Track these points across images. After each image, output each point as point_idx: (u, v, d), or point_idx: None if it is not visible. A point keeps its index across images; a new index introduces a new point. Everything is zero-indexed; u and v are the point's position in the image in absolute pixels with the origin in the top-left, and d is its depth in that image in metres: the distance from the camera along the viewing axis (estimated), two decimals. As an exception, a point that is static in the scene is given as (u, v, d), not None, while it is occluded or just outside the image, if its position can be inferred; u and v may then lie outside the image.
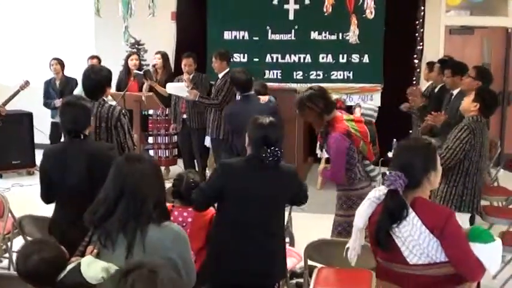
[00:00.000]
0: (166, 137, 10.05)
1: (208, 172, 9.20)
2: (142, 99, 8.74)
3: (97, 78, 5.32)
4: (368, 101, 10.79)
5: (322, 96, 5.19)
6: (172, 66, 10.55)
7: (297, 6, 11.28)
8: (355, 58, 11.23)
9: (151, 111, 9.97)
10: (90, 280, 3.12)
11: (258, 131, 4.26)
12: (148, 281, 2.27)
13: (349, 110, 7.13)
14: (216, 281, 4.35)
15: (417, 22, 10.87)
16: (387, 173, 3.43)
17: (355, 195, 5.23)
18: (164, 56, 9.98)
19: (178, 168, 9.88)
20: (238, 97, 7.85)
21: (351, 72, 11.27)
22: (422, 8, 10.87)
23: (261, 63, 11.38)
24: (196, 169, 9.48)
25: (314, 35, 11.32)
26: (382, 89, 11.08)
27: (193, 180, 4.63)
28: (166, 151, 10.08)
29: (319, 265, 4.94)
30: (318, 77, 11.28)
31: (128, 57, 10.10)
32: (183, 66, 9.30)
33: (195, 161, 9.71)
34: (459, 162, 5.53)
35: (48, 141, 10.02)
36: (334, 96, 7.89)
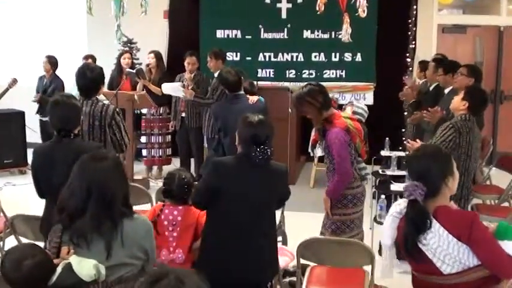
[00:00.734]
0: (160, 136, 10.02)
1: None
2: (134, 98, 8.73)
3: (92, 76, 5.32)
4: (361, 99, 10.81)
5: (321, 91, 5.23)
6: (166, 64, 10.52)
7: (290, 5, 11.27)
8: (347, 57, 11.22)
9: (144, 110, 9.96)
10: (84, 278, 3.15)
11: (248, 129, 4.26)
12: None
13: (341, 108, 7.12)
14: (208, 279, 4.34)
15: (410, 21, 10.87)
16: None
17: (350, 194, 5.24)
18: (158, 55, 9.97)
19: (171, 167, 9.87)
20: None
21: (344, 71, 11.27)
22: (415, 6, 10.86)
23: (254, 62, 11.38)
24: (192, 168, 9.49)
25: (307, 33, 11.31)
26: (375, 87, 11.08)
27: (185, 178, 4.64)
28: (160, 150, 10.05)
29: (312, 264, 4.93)
30: (311, 76, 11.27)
31: (120, 55, 10.10)
32: (186, 64, 9.27)
33: (192, 159, 9.71)
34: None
35: (40, 140, 9.98)
36: (327, 95, 7.90)
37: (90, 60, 9.91)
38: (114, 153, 3.65)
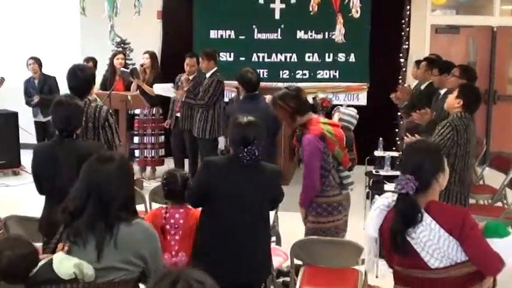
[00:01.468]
0: (153, 137, 10.01)
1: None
2: (128, 99, 8.72)
3: (84, 76, 5.29)
4: (354, 100, 10.84)
5: (295, 96, 5.10)
6: (159, 64, 10.52)
7: (283, 6, 11.28)
8: (341, 57, 11.24)
9: (137, 111, 9.95)
10: (62, 276, 3.15)
11: (236, 130, 4.27)
12: None
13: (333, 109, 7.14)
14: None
15: (403, 21, 10.90)
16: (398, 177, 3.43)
17: (325, 202, 5.11)
18: (152, 56, 9.97)
19: (165, 168, 9.85)
20: (241, 97, 7.83)
21: (337, 71, 11.28)
22: (408, 7, 10.89)
23: (247, 62, 11.34)
24: (186, 168, 9.49)
25: (300, 34, 11.33)
26: (368, 88, 11.10)
27: (187, 177, 4.65)
28: (153, 151, 10.04)
29: (306, 264, 4.93)
30: (304, 76, 11.30)
31: (113, 56, 10.09)
32: (185, 65, 9.25)
33: (186, 160, 9.71)
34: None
35: (34, 141, 9.96)
36: (321, 96, 7.91)
37: (91, 63, 9.91)
38: (122, 155, 3.60)
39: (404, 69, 10.88)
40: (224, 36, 11.61)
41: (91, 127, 5.23)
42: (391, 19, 10.85)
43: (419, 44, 11.09)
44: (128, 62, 10.52)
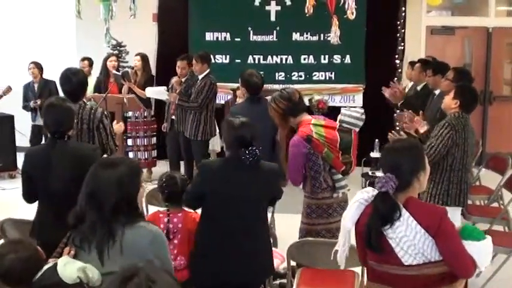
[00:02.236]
0: (145, 139, 10.05)
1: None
2: (124, 102, 8.72)
3: (78, 79, 5.29)
4: (350, 102, 10.85)
5: (288, 98, 5.08)
6: (155, 67, 10.52)
7: (279, 8, 11.28)
8: (336, 59, 11.25)
9: (129, 113, 9.96)
10: (66, 280, 3.11)
11: (232, 132, 4.27)
12: None
13: (334, 111, 7.09)
14: (201, 282, 4.34)
15: (398, 22, 10.91)
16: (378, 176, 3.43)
17: (314, 204, 5.12)
18: (144, 58, 9.97)
19: (162, 170, 9.84)
20: (239, 99, 7.82)
21: (333, 73, 11.29)
22: (404, 8, 10.91)
23: (243, 65, 11.33)
24: (182, 171, 9.48)
25: (296, 36, 11.34)
26: (364, 89, 11.12)
27: (187, 179, 4.65)
28: (146, 153, 10.08)
29: (302, 265, 4.93)
30: (300, 78, 11.31)
31: (106, 59, 10.09)
32: (177, 68, 9.25)
33: (181, 162, 9.71)
34: (443, 159, 5.55)
35: (29, 144, 9.96)
36: (317, 97, 7.89)
37: (86, 62, 9.93)
38: (129, 160, 3.52)
39: (400, 70, 10.88)
40: (220, 39, 11.59)
41: (86, 129, 5.22)
42: (387, 20, 10.87)
43: (415, 45, 11.11)
44: (123, 64, 10.51)
